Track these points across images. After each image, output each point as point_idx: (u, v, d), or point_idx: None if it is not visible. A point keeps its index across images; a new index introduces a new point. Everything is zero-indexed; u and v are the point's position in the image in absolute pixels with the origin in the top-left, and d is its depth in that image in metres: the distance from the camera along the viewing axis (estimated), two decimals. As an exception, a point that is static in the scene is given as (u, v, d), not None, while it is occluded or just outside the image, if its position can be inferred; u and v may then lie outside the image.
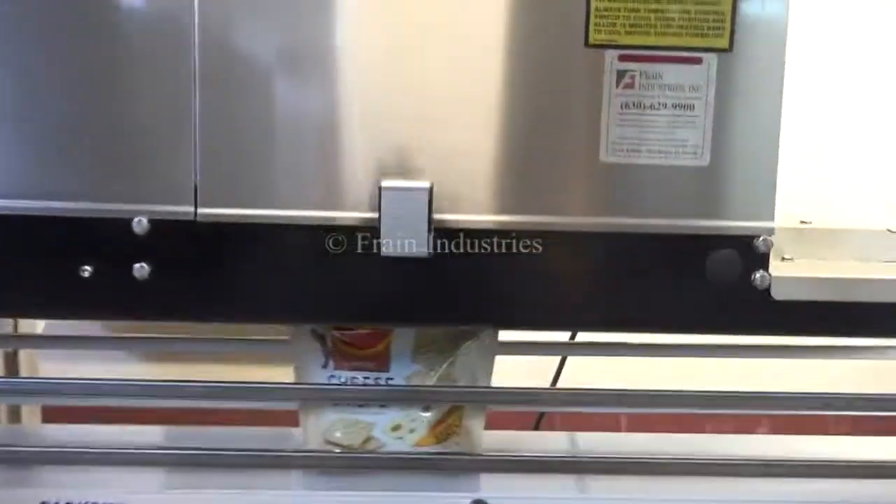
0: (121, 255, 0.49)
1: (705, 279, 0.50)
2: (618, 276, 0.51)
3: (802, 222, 0.59)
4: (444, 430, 0.63)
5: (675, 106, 0.48)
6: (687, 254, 0.50)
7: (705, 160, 0.49)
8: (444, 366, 0.61)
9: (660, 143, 0.48)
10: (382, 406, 0.61)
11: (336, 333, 0.60)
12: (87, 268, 0.49)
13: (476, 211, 0.49)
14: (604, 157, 0.49)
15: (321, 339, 0.61)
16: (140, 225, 0.49)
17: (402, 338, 0.60)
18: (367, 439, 0.62)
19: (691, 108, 0.48)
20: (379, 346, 0.61)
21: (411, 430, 0.62)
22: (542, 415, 0.81)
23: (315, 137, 0.49)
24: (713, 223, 0.49)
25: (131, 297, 0.49)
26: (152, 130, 0.48)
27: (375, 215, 0.48)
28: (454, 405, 0.62)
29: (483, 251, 0.49)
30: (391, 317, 0.51)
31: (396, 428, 0.62)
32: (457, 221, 0.49)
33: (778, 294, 0.50)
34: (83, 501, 0.61)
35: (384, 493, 0.61)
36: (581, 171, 0.49)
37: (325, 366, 0.62)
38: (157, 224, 0.49)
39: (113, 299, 0.50)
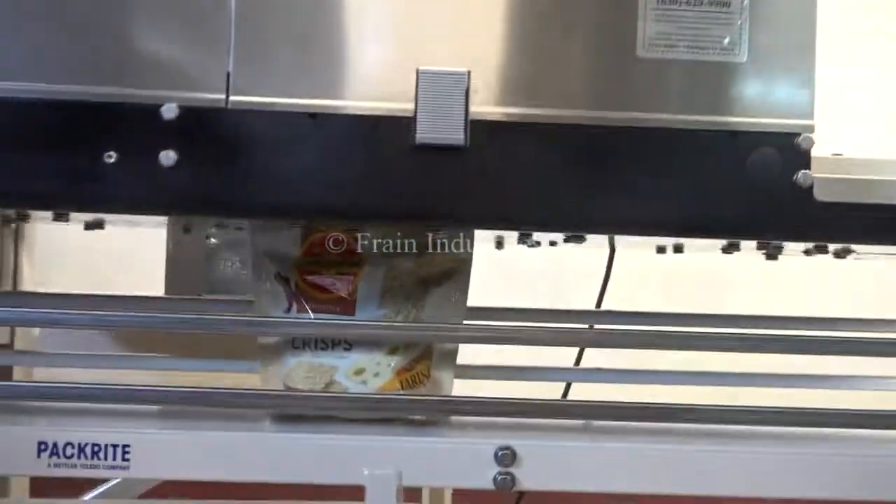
0: (147, 142, 0.48)
1: (746, 179, 0.49)
2: (657, 175, 0.49)
3: (835, 154, 0.59)
4: (410, 377, 0.60)
5: (710, 3, 0.48)
6: (726, 153, 0.49)
7: (742, 57, 0.48)
8: (413, 311, 0.59)
9: (696, 39, 0.48)
10: (346, 349, 0.58)
11: (304, 277, 0.59)
12: (113, 154, 0.47)
13: (512, 104, 0.48)
14: (640, 52, 0.48)
15: (285, 282, 0.59)
16: (169, 111, 0.48)
17: (370, 282, 0.59)
18: (329, 384, 0.58)
19: (727, 4, 0.48)
20: (346, 290, 0.59)
21: (375, 374, 0.59)
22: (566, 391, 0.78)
23: (352, 26, 0.48)
24: (753, 120, 0.49)
25: (156, 187, 0.48)
26: (187, 16, 0.48)
27: (412, 105, 0.48)
28: (422, 354, 0.60)
29: (518, 145, 0.48)
30: (421, 213, 0.50)
31: (359, 372, 0.59)
32: (492, 113, 0.48)
33: (821, 195, 0.48)
34: (84, 442, 0.57)
35: (370, 437, 0.58)
36: (617, 66, 0.49)
37: (287, 310, 0.59)
38: (186, 111, 0.48)
39: (137, 189, 0.48)
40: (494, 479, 0.56)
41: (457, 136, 0.47)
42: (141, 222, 0.79)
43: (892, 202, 0.49)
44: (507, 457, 0.57)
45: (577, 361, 0.74)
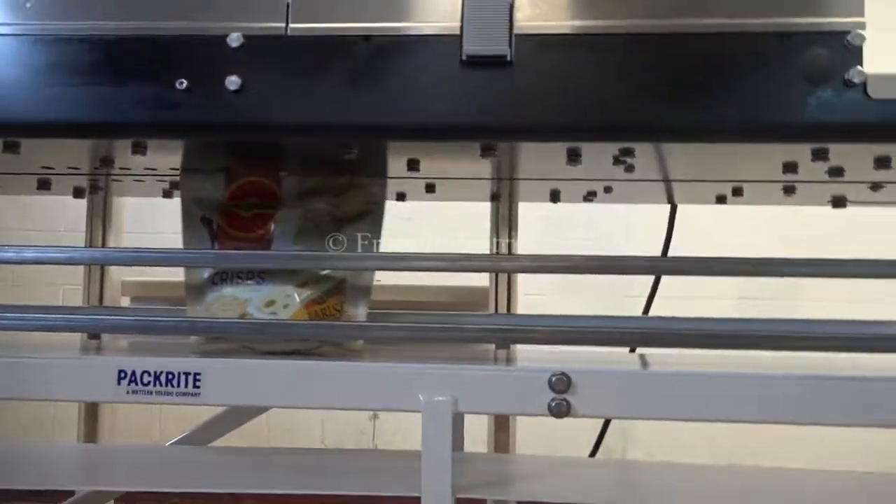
0: (215, 69, 0.51)
1: (799, 80, 0.48)
2: (709, 80, 0.49)
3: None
4: (320, 310, 0.62)
5: None
6: (778, 55, 0.48)
7: (788, -42, 0.48)
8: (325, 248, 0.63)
9: (740, -56, 0.49)
10: (258, 283, 0.61)
11: (225, 218, 0.63)
12: (184, 81, 0.51)
13: (555, 18, 0.50)
14: (684, -39, 0.49)
15: (209, 223, 0.64)
16: (234, 40, 0.51)
17: (286, 221, 0.62)
18: (242, 316, 0.61)
19: None
20: (262, 230, 0.63)
21: (284, 306, 0.61)
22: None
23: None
24: (802, 20, 0.48)
25: (223, 111, 0.51)
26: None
27: (458, 24, 0.50)
28: (335, 288, 0.62)
29: (562, 57, 0.49)
30: (472, 127, 0.51)
31: (270, 304, 0.62)
32: (538, 26, 0.50)
33: (875, 92, 0.47)
34: (159, 370, 0.60)
35: (426, 364, 0.59)
36: (662, -25, 0.50)
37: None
38: (250, 39, 0.51)
39: (206, 113, 0.52)
40: (549, 405, 0.56)
41: (502, 47, 0.49)
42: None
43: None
44: (561, 382, 0.57)
45: (646, 310, 0.74)
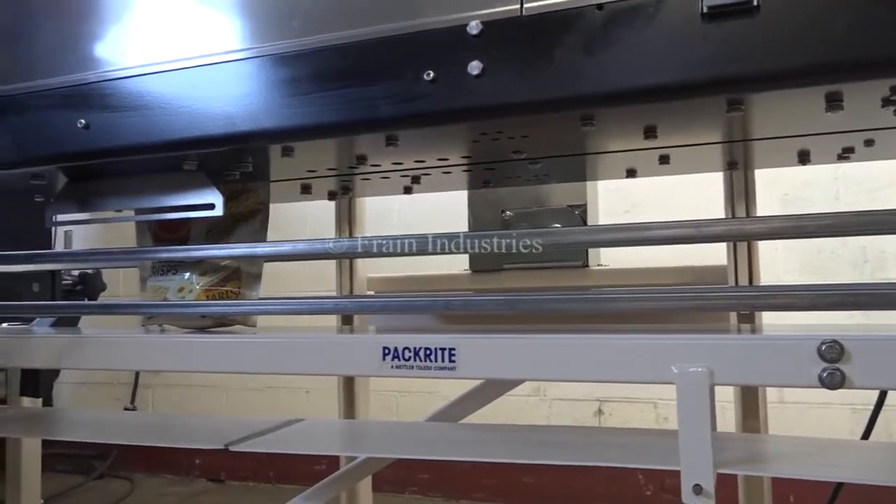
0: (457, 57, 0.54)
1: None
2: None
3: None
4: (218, 294, 0.76)
5: None
6: None
7: None
8: (223, 241, 0.77)
9: None
10: (174, 273, 0.77)
11: (158, 223, 0.80)
12: (430, 72, 0.55)
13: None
14: None
15: (150, 228, 0.81)
16: (474, 27, 0.54)
17: (199, 223, 0.78)
18: (165, 300, 0.76)
19: None
20: (182, 231, 0.78)
21: (189, 292, 0.75)
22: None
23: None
24: None
25: (468, 95, 0.54)
26: (483, -57, 0.54)
27: (696, -21, 0.48)
28: (231, 276, 0.77)
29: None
30: (722, 83, 0.49)
31: (181, 290, 0.76)
32: (784, -33, 0.47)
33: None
34: (418, 346, 0.65)
35: (680, 335, 0.57)
36: None
37: None
38: (488, 24, 0.54)
39: (453, 102, 0.55)
40: (820, 376, 0.52)
41: (747, -7, 0.46)
42: (449, 184, 0.88)
43: None
44: (833, 350, 0.52)
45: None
